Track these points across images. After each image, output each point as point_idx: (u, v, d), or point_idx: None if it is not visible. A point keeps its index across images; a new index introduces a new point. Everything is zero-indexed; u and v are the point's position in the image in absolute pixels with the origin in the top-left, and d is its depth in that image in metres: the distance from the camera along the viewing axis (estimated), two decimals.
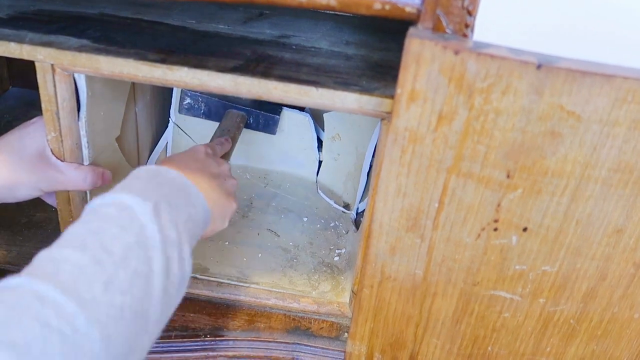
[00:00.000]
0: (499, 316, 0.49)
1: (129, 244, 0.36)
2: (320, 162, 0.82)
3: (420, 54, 0.38)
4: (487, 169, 0.41)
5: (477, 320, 0.50)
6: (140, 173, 0.43)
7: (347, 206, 0.78)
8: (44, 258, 0.33)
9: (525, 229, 0.44)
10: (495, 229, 0.44)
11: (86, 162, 0.55)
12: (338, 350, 0.59)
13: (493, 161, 0.41)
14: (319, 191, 0.81)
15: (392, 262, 0.48)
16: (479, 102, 0.39)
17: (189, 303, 0.62)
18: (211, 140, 0.64)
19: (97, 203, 0.39)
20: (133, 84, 0.66)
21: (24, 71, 0.94)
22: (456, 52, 0.37)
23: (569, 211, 0.42)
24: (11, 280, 0.31)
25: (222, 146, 0.61)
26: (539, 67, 0.36)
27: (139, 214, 0.38)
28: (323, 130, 0.81)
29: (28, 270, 0.32)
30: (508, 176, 0.41)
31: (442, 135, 0.41)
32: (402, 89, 0.40)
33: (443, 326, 0.51)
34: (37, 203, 0.68)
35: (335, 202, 0.79)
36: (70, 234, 0.36)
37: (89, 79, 0.51)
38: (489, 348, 0.52)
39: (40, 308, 0.30)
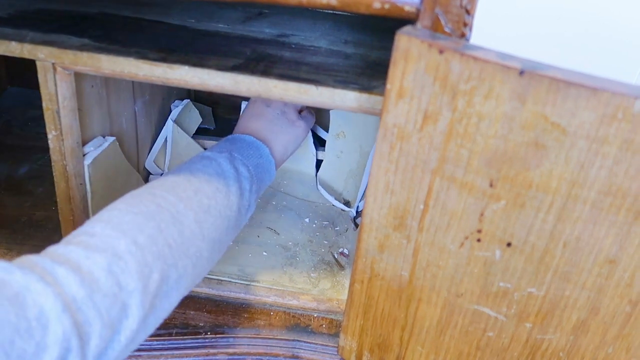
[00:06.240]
0: (483, 334, 0.47)
1: (210, 173, 0.49)
2: (319, 161, 0.81)
3: (408, 51, 0.38)
4: (470, 174, 0.41)
5: (461, 334, 0.48)
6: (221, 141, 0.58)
7: (347, 203, 0.78)
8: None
9: (509, 244, 0.42)
10: (479, 240, 0.43)
11: (86, 162, 0.56)
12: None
13: (476, 167, 0.40)
14: (319, 186, 0.80)
15: (380, 259, 0.49)
16: (462, 105, 0.38)
17: (190, 301, 0.62)
18: None
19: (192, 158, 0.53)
20: (132, 82, 0.67)
21: (22, 71, 0.94)
22: (441, 51, 0.37)
23: (555, 231, 0.40)
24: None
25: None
26: (521, 73, 0.35)
27: (218, 158, 0.52)
28: (324, 129, 0.81)
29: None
30: (491, 185, 0.40)
31: (428, 135, 0.41)
32: (392, 84, 0.40)
33: (427, 335, 0.50)
34: (37, 202, 0.72)
35: (335, 199, 0.79)
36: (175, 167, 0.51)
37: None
38: None
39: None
